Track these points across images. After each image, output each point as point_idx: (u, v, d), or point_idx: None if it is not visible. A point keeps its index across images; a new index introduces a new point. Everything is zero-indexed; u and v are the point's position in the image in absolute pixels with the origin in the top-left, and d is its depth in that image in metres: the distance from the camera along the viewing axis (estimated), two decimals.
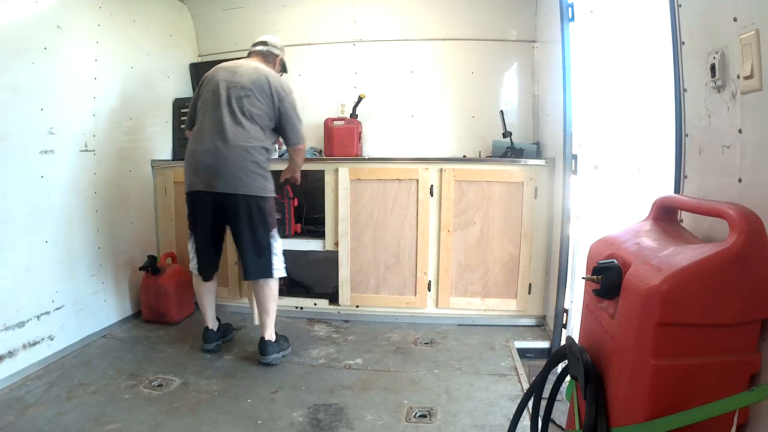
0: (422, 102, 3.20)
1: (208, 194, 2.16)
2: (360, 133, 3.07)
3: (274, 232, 2.26)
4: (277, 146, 2.87)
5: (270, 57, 2.39)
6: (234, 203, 2.14)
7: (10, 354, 2.01)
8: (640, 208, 1.36)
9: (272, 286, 2.26)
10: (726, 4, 1.05)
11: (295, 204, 2.80)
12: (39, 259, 2.17)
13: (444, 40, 3.15)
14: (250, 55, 2.39)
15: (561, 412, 1.50)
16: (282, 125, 2.25)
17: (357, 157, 2.94)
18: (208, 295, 2.38)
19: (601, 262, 1.08)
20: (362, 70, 3.24)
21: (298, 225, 2.85)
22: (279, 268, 2.27)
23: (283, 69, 2.50)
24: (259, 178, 2.17)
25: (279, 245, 2.28)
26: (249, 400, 1.93)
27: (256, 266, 2.22)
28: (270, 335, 2.25)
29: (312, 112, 3.22)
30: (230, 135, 2.12)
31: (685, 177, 1.29)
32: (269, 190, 2.22)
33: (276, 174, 2.37)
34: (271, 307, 2.26)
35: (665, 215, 1.20)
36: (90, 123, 2.46)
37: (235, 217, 2.17)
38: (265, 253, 2.21)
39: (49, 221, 2.23)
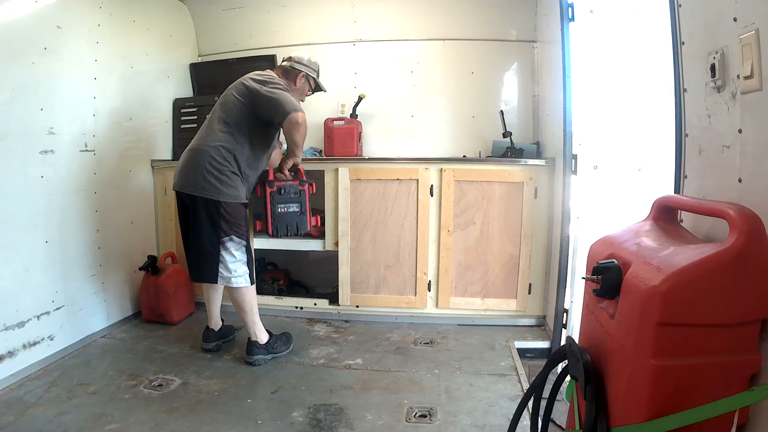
0: (422, 102, 3.19)
1: (177, 193, 2.23)
2: (360, 133, 3.06)
3: (227, 240, 2.14)
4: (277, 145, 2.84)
5: (291, 74, 2.30)
6: (191, 204, 2.16)
7: (10, 354, 2.01)
8: (640, 208, 1.36)
9: (237, 296, 2.20)
10: (726, 4, 1.05)
11: (313, 191, 2.43)
12: (39, 259, 2.17)
13: (444, 40, 3.15)
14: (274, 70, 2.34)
15: (561, 412, 1.50)
16: (266, 108, 2.11)
17: (357, 157, 2.94)
18: (210, 292, 2.38)
19: (601, 262, 1.08)
20: (362, 70, 3.24)
21: (317, 217, 2.52)
22: (227, 277, 2.16)
23: (316, 86, 2.39)
24: (214, 181, 2.10)
25: (233, 254, 2.15)
26: (249, 400, 1.93)
27: (195, 268, 2.22)
28: (256, 337, 2.24)
29: (312, 112, 3.19)
30: (199, 138, 2.19)
31: (685, 177, 1.29)
32: (227, 195, 2.13)
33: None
34: (244, 317, 2.23)
35: (665, 215, 1.20)
36: (90, 123, 2.46)
37: (192, 217, 2.18)
38: (208, 258, 2.15)
39: (49, 221, 2.23)
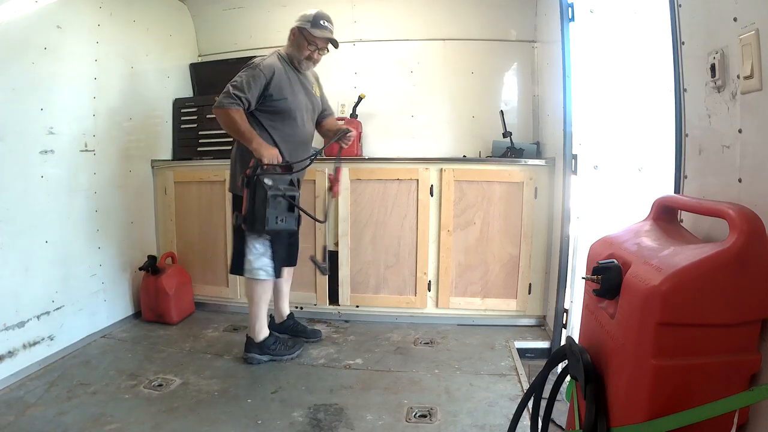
0: (422, 102, 3.19)
1: None
2: (360, 133, 3.06)
3: (248, 235, 2.13)
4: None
5: (289, 37, 2.25)
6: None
7: (10, 354, 2.01)
8: (640, 208, 1.36)
9: (251, 287, 2.22)
10: (726, 4, 1.05)
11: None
12: (39, 259, 2.16)
13: (444, 40, 3.15)
14: None
15: (561, 412, 1.50)
16: None
17: (357, 157, 2.94)
18: (276, 287, 2.40)
19: (601, 262, 1.08)
20: (362, 70, 3.24)
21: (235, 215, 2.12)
22: (250, 270, 2.16)
23: (312, 37, 2.17)
24: (239, 176, 2.13)
25: (255, 247, 2.14)
26: (249, 400, 1.93)
27: (232, 261, 2.26)
28: (253, 334, 2.24)
29: None
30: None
31: (685, 177, 1.29)
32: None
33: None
34: (251, 309, 2.24)
35: (665, 215, 1.20)
36: (90, 123, 2.46)
37: None
38: (237, 251, 2.20)
39: (49, 221, 2.23)
